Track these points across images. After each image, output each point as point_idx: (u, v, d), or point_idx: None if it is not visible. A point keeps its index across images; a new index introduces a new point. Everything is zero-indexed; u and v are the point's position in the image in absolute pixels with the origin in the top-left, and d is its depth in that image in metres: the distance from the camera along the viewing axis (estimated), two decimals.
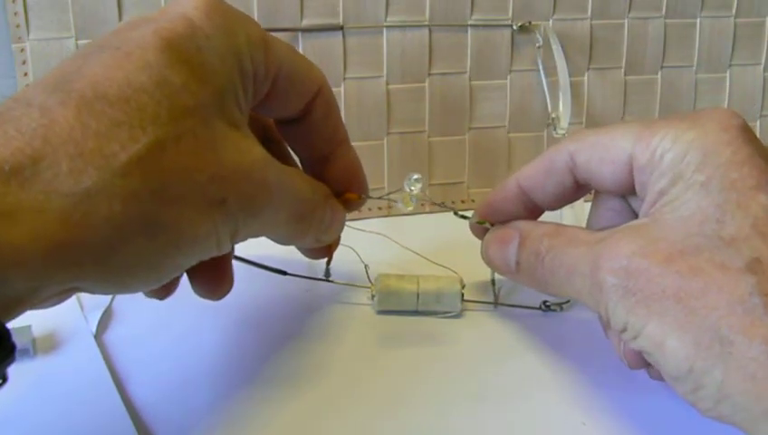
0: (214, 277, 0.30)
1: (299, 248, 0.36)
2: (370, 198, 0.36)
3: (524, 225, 0.33)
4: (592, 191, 0.34)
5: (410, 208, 0.35)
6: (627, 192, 0.31)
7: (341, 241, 0.37)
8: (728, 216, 0.26)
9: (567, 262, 0.29)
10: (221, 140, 0.25)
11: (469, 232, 0.36)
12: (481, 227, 0.35)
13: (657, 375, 0.33)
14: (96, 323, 0.35)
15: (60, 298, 0.25)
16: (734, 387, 0.23)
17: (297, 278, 0.36)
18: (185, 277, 0.29)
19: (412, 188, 0.35)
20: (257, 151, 0.27)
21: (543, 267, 0.31)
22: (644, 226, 0.28)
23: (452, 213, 0.36)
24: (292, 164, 0.35)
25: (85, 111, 0.22)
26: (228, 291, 0.31)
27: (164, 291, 0.30)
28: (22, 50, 0.42)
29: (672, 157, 0.28)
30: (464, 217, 0.36)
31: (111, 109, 0.23)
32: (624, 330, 0.27)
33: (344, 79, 0.46)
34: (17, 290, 0.21)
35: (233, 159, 0.26)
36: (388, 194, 0.36)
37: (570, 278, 0.29)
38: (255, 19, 0.44)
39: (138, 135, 0.23)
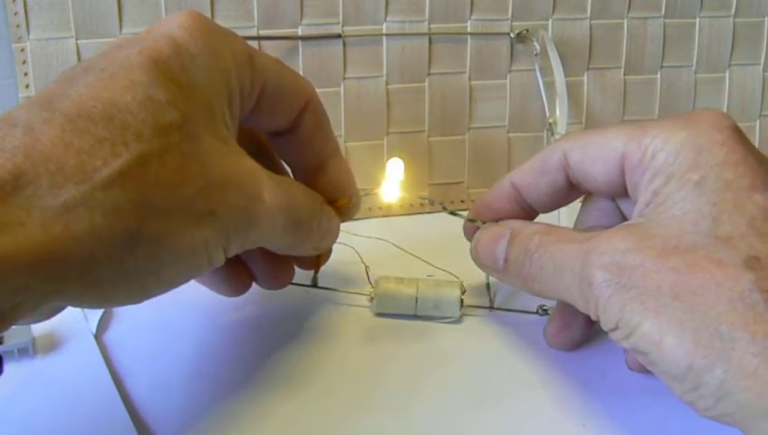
0: (274, 268, 0.34)
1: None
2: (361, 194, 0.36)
3: (516, 223, 0.33)
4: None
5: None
6: (618, 193, 0.31)
7: (342, 245, 0.37)
8: (724, 215, 0.26)
9: (557, 258, 0.29)
10: (208, 155, 0.26)
11: None
12: (473, 228, 0.35)
13: (636, 366, 0.33)
14: (96, 322, 0.35)
15: (44, 315, 0.25)
16: (735, 384, 0.23)
17: (296, 278, 0.36)
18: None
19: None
20: (247, 164, 0.28)
21: (531, 263, 0.30)
22: (637, 224, 0.28)
23: (450, 213, 0.36)
24: (285, 174, 0.35)
25: (69, 130, 0.23)
26: (291, 279, 0.35)
27: (234, 289, 0.34)
28: (22, 50, 0.42)
29: (665, 156, 0.28)
30: (453, 213, 0.36)
31: (95, 127, 0.23)
32: (615, 328, 0.26)
33: (344, 79, 0.46)
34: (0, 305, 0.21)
35: (221, 173, 0.26)
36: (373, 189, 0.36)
37: (558, 274, 0.29)
38: (255, 20, 0.44)
39: (120, 151, 0.23)
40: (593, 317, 0.28)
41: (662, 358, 0.25)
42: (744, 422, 0.24)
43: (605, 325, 0.27)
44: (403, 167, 0.37)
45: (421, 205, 0.48)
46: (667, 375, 0.25)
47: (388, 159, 0.47)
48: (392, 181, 0.37)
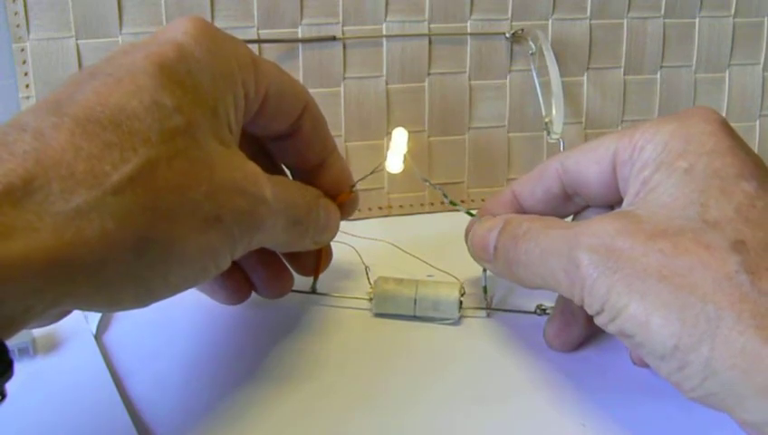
0: (273, 276, 0.34)
1: (289, 265, 0.36)
2: (362, 178, 0.36)
3: (510, 215, 0.33)
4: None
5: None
6: (611, 196, 0.31)
7: (342, 245, 0.38)
8: (712, 201, 0.26)
9: (543, 242, 0.29)
10: (214, 159, 0.26)
11: None
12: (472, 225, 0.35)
13: (640, 361, 0.33)
14: (96, 323, 0.35)
15: (51, 319, 0.25)
16: (722, 362, 0.23)
17: (295, 285, 0.36)
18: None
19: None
20: (250, 167, 0.28)
21: (518, 248, 0.30)
22: (627, 211, 0.28)
23: (454, 213, 0.37)
24: (282, 174, 0.36)
25: (78, 135, 0.23)
26: (290, 287, 0.35)
27: (233, 298, 0.34)
28: (22, 50, 0.42)
29: (653, 147, 0.28)
30: (453, 203, 0.37)
31: (104, 132, 0.23)
32: (601, 311, 0.26)
33: (344, 78, 0.46)
34: (11, 308, 0.21)
35: (226, 177, 0.26)
36: (371, 173, 0.37)
37: (544, 259, 0.29)
38: (255, 20, 0.44)
39: (129, 156, 0.23)
40: (578, 301, 0.28)
41: (649, 339, 0.25)
42: (729, 402, 0.24)
43: (590, 308, 0.27)
44: (407, 136, 0.37)
45: (421, 205, 0.48)
46: (654, 355, 0.25)
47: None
48: (396, 152, 0.36)
